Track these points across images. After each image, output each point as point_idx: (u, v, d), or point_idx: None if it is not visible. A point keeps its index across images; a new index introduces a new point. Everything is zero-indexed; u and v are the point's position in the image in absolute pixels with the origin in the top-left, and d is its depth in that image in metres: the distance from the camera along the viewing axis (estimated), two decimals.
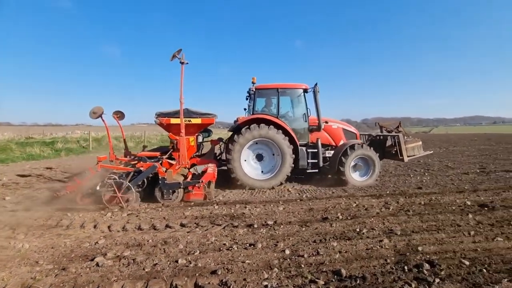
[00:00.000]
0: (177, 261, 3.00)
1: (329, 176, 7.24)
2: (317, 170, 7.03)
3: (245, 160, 6.72)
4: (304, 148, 6.91)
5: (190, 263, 2.98)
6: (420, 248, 3.23)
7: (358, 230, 3.83)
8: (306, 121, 7.08)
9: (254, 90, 7.05)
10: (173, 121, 6.02)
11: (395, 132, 7.90)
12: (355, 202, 5.23)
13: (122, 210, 4.92)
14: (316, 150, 6.94)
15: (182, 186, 5.38)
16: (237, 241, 3.58)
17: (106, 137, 19.46)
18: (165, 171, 5.32)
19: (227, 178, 6.86)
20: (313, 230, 3.91)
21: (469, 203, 5.10)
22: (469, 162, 10.41)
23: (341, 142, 7.30)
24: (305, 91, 7.12)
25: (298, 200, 5.51)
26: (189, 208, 5.03)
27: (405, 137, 7.59)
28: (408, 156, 7.31)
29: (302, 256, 3.09)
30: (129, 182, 5.07)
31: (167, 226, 4.19)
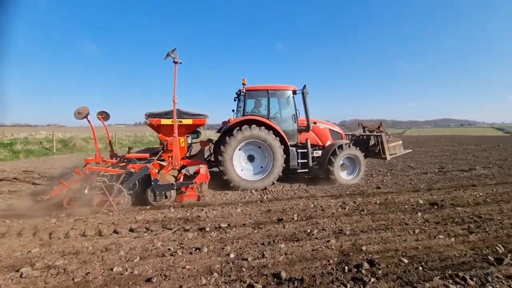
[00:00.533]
0: (112, 269, 2.82)
1: (320, 176, 7.39)
2: (307, 170, 7.20)
3: (237, 161, 6.72)
4: (294, 149, 7.03)
5: (126, 270, 2.81)
6: (364, 248, 3.28)
7: (309, 231, 3.83)
8: (295, 122, 7.27)
9: (244, 91, 7.07)
10: (164, 121, 5.90)
11: (377, 132, 8.32)
12: (313, 203, 5.26)
13: (69, 216, 4.61)
14: (305, 150, 7.13)
15: (175, 188, 5.27)
16: (183, 245, 3.45)
17: (73, 138, 18.55)
18: (158, 172, 5.19)
19: (215, 180, 6.71)
20: (265, 232, 3.86)
21: (421, 202, 5.30)
22: (430, 162, 10.92)
23: (328, 142, 7.55)
24: (294, 92, 7.32)
25: (258, 202, 5.46)
26: (143, 212, 4.82)
27: (387, 137, 7.94)
28: (390, 155, 7.72)
29: (246, 259, 3.02)
30: (120, 184, 4.90)
31: (114, 231, 3.97)
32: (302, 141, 7.31)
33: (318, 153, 7.39)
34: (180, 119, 5.96)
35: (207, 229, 3.97)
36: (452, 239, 3.56)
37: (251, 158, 6.90)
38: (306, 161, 7.10)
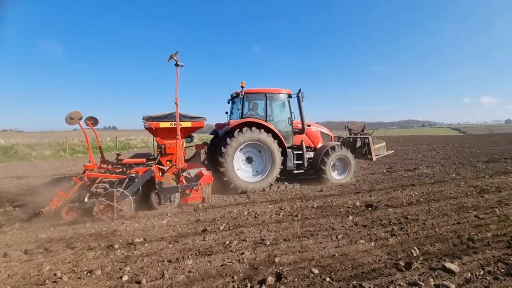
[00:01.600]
0: None
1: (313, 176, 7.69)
2: (302, 171, 7.45)
3: (236, 163, 6.72)
4: (290, 150, 7.23)
5: None
6: (277, 259, 3.06)
7: (228, 242, 3.56)
8: (290, 125, 7.52)
9: (243, 94, 7.12)
10: (162, 125, 5.75)
11: (361, 134, 8.79)
12: (248, 210, 5.02)
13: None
14: (301, 152, 7.37)
15: (179, 190, 5.15)
16: (76, 268, 3.00)
17: (16, 145, 16.88)
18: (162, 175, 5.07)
19: None
20: (180, 246, 3.52)
21: (358, 204, 5.27)
22: (381, 162, 11.22)
23: (319, 144, 7.82)
24: (289, 96, 7.57)
25: (192, 211, 5.10)
26: (52, 229, 4.25)
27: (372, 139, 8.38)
28: (375, 156, 8.20)
29: (140, 282, 2.66)
30: (124, 189, 4.71)
31: (4, 255, 3.40)
32: (297, 143, 7.57)
33: (310, 154, 7.62)
34: (180, 122, 5.80)
35: (116, 246, 3.54)
36: (372, 243, 3.48)
37: (249, 160, 6.97)
38: (301, 162, 7.35)
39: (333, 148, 7.31)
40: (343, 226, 4.09)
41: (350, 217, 4.47)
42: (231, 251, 3.32)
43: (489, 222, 4.11)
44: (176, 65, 5.48)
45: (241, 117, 7.08)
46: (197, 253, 3.30)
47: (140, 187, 4.94)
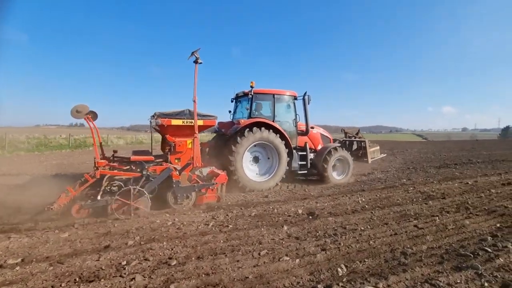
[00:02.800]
0: None
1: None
2: (306, 171, 7.69)
3: (244, 162, 6.72)
4: (295, 151, 7.40)
5: None
6: (173, 286, 2.48)
7: (125, 263, 2.91)
8: (295, 126, 7.65)
9: (252, 94, 7.12)
10: (174, 122, 5.61)
11: (354, 138, 9.26)
12: (174, 219, 4.38)
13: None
14: (305, 153, 7.60)
15: (196, 189, 5.10)
16: None
17: None
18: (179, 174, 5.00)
19: None
20: (63, 269, 2.81)
21: (300, 211, 4.87)
22: None
23: (319, 146, 8.09)
24: (295, 98, 7.75)
25: (110, 221, 4.36)
26: None
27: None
28: (371, 158, 8.66)
29: None
30: (141, 187, 4.63)
31: None
32: (301, 144, 7.76)
33: (311, 155, 7.79)
34: (191, 120, 5.63)
35: None
36: (298, 260, 3.02)
37: (256, 160, 7.09)
38: (304, 163, 7.57)
39: (334, 149, 7.62)
40: (272, 239, 3.62)
41: (285, 228, 4.03)
42: (121, 275, 2.67)
43: (426, 232, 3.86)
44: (195, 62, 5.33)
45: (249, 117, 7.11)
46: (76, 279, 2.62)
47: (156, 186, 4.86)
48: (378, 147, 9.48)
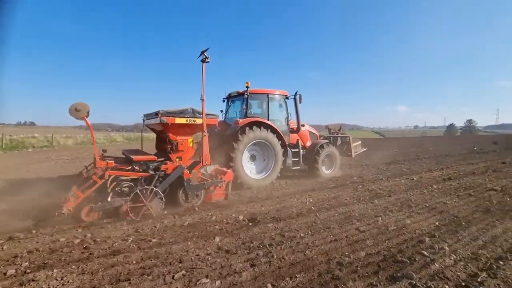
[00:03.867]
0: None
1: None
2: (299, 167, 7.86)
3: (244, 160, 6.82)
4: (288, 149, 7.57)
5: None
6: None
7: None
8: (287, 124, 7.86)
9: (248, 94, 7.24)
10: (178, 120, 5.40)
11: (337, 134, 9.71)
12: (88, 235, 3.67)
13: None
14: (297, 150, 7.80)
15: (206, 187, 5.17)
16: None
17: None
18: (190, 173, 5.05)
19: None
20: None
21: (241, 218, 4.41)
22: None
23: (308, 143, 8.31)
24: (287, 97, 7.96)
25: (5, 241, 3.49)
26: None
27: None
28: (354, 153, 9.25)
29: None
30: (154, 187, 4.56)
31: None
32: (292, 141, 7.92)
33: (302, 151, 7.97)
34: (194, 118, 5.53)
35: None
36: (218, 282, 2.54)
37: (253, 158, 7.20)
38: (297, 159, 7.76)
39: (324, 145, 7.93)
40: (197, 256, 3.10)
41: (217, 239, 3.53)
42: None
43: (367, 235, 3.64)
44: (203, 61, 5.40)
45: (245, 116, 7.20)
46: None
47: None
48: (359, 142, 10.02)
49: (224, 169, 5.79)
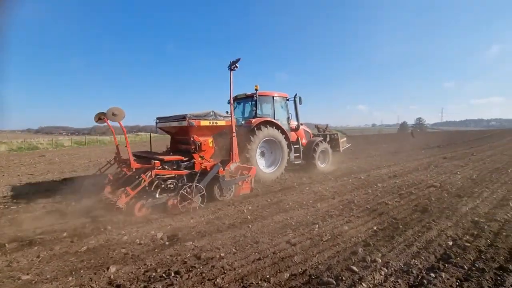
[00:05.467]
0: None
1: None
2: (300, 161, 8.67)
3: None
4: (292, 145, 8.27)
5: None
6: None
7: None
8: (288, 123, 8.46)
9: (257, 96, 7.79)
10: (203, 123, 5.84)
11: (324, 132, 10.75)
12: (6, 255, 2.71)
13: None
14: (298, 146, 8.58)
15: (237, 182, 5.62)
16: None
17: None
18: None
19: None
20: None
21: (160, 235, 3.72)
22: None
23: (304, 140, 9.06)
24: (287, 99, 8.65)
25: None
26: None
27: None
28: (342, 148, 10.29)
29: None
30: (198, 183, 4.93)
31: None
32: (292, 139, 8.45)
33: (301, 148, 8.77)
34: (216, 121, 6.00)
35: None
36: None
37: (262, 154, 7.73)
38: (298, 154, 8.57)
39: (319, 142, 8.85)
40: None
41: (113, 269, 2.79)
42: None
43: (297, 249, 3.17)
44: (231, 69, 5.90)
45: (255, 116, 7.74)
46: None
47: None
48: (345, 139, 11.07)
49: (245, 165, 6.25)
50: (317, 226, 3.91)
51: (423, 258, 2.90)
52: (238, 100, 8.59)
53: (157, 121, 6.60)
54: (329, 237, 3.52)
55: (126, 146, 5.00)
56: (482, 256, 2.88)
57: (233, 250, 3.22)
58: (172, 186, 4.92)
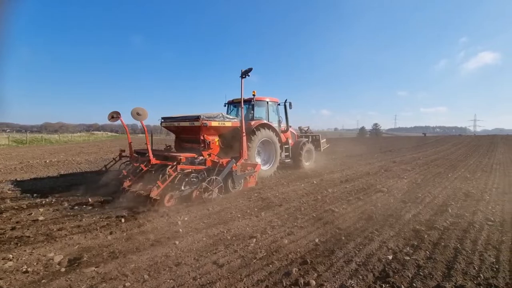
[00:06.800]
0: None
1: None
2: (289, 160, 9.50)
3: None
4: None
5: None
6: None
7: None
8: (279, 126, 9.22)
9: (255, 101, 8.50)
10: (213, 123, 6.56)
11: (305, 133, 11.63)
12: None
13: None
14: (287, 146, 9.33)
15: (246, 176, 6.34)
16: None
17: None
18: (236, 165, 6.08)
19: None
20: None
21: (59, 259, 2.98)
22: None
23: (291, 141, 9.68)
24: (278, 104, 9.42)
25: None
26: None
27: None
28: (322, 148, 11.19)
29: None
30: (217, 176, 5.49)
31: None
32: (283, 140, 9.06)
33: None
34: (224, 122, 6.82)
35: None
36: None
37: (258, 153, 8.35)
38: (288, 153, 9.28)
39: (305, 143, 9.80)
40: None
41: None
42: None
43: (223, 273, 2.68)
44: (242, 77, 6.53)
45: (252, 119, 8.31)
46: None
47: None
48: (325, 140, 11.80)
49: (251, 162, 7.03)
50: (254, 240, 3.47)
51: (360, 277, 2.59)
52: (235, 104, 9.29)
53: (162, 120, 7.28)
54: (264, 254, 3.09)
55: (146, 144, 5.56)
56: (420, 272, 2.66)
57: (145, 276, 2.63)
58: (195, 179, 5.49)
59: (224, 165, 5.81)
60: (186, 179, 5.32)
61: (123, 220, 4.25)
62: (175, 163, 5.14)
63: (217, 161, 5.86)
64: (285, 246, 3.31)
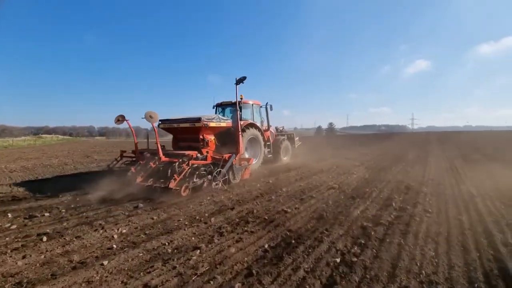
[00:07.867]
0: None
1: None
2: (271, 156, 10.68)
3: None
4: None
5: None
6: None
7: None
8: (262, 126, 10.49)
9: (242, 104, 9.38)
10: (212, 124, 7.54)
11: (281, 132, 12.43)
12: None
13: None
14: (269, 143, 10.62)
15: (243, 169, 7.21)
16: None
17: None
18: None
19: None
20: None
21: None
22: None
23: (271, 138, 10.95)
24: (260, 106, 10.81)
25: None
26: None
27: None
28: (296, 145, 12.77)
29: None
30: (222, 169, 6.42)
31: None
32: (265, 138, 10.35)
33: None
34: (220, 123, 7.86)
35: None
36: None
37: (246, 149, 8.89)
38: (270, 150, 10.64)
39: (283, 140, 11.17)
40: None
41: None
42: None
43: None
44: (237, 84, 7.37)
45: (241, 120, 8.52)
46: None
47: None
48: (298, 138, 13.20)
49: (245, 157, 8.04)
50: (198, 251, 3.14)
51: (307, 287, 2.44)
52: (223, 106, 10.40)
53: (160, 122, 7.89)
54: (207, 268, 2.78)
55: (156, 143, 6.20)
56: (367, 275, 2.61)
57: None
58: (204, 172, 6.13)
59: (227, 159, 6.60)
60: (197, 172, 5.94)
61: (44, 238, 3.57)
62: (186, 159, 5.90)
63: (221, 156, 6.66)
64: (231, 256, 3.04)
